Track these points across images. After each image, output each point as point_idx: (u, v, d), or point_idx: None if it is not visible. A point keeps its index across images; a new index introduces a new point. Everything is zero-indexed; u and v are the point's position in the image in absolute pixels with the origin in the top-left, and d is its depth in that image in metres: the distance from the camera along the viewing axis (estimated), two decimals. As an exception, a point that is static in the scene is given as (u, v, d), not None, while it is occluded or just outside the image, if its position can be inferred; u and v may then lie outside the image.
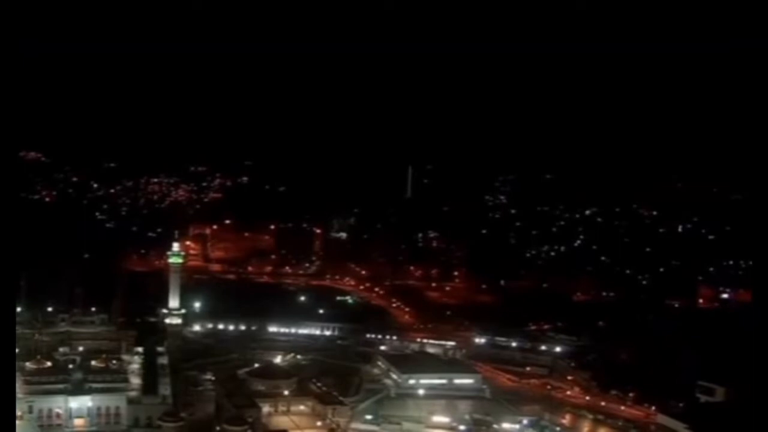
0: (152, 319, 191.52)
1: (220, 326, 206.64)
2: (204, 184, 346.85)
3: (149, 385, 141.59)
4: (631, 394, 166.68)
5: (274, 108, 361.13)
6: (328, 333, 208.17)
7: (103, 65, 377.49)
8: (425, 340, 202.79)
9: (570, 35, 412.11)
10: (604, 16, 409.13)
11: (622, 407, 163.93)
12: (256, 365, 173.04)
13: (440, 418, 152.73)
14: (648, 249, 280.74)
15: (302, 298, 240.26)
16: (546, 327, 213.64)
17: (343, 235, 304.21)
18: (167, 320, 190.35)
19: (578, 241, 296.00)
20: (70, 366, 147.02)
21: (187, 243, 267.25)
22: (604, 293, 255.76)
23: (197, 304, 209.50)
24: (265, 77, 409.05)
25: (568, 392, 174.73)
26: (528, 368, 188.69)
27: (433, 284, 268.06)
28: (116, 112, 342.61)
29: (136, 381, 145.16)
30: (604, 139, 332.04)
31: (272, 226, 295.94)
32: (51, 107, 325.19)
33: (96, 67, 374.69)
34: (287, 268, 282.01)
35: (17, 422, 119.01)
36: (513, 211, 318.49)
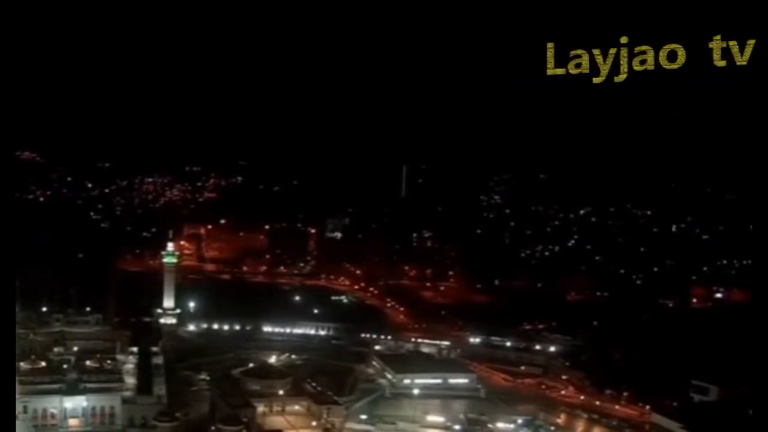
0: (147, 319, 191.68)
1: (215, 326, 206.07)
2: (198, 183, 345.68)
3: (144, 385, 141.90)
4: (625, 394, 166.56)
5: (268, 108, 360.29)
6: (322, 333, 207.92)
7: (99, 64, 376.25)
8: (420, 340, 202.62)
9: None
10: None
11: (617, 406, 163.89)
12: (251, 365, 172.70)
13: (435, 418, 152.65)
14: (642, 249, 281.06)
15: (297, 298, 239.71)
16: (540, 326, 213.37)
17: (338, 234, 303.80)
18: (162, 320, 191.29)
19: (572, 241, 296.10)
20: (65, 366, 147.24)
21: (182, 243, 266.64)
22: (599, 293, 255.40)
23: (192, 304, 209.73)
24: (260, 77, 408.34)
25: (563, 392, 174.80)
26: (522, 368, 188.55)
27: (428, 284, 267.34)
28: (111, 112, 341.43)
29: (130, 381, 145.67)
30: (599, 139, 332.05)
31: (267, 226, 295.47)
32: (46, 106, 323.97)
33: (91, 66, 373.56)
34: (282, 267, 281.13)
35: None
36: (507, 211, 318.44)
